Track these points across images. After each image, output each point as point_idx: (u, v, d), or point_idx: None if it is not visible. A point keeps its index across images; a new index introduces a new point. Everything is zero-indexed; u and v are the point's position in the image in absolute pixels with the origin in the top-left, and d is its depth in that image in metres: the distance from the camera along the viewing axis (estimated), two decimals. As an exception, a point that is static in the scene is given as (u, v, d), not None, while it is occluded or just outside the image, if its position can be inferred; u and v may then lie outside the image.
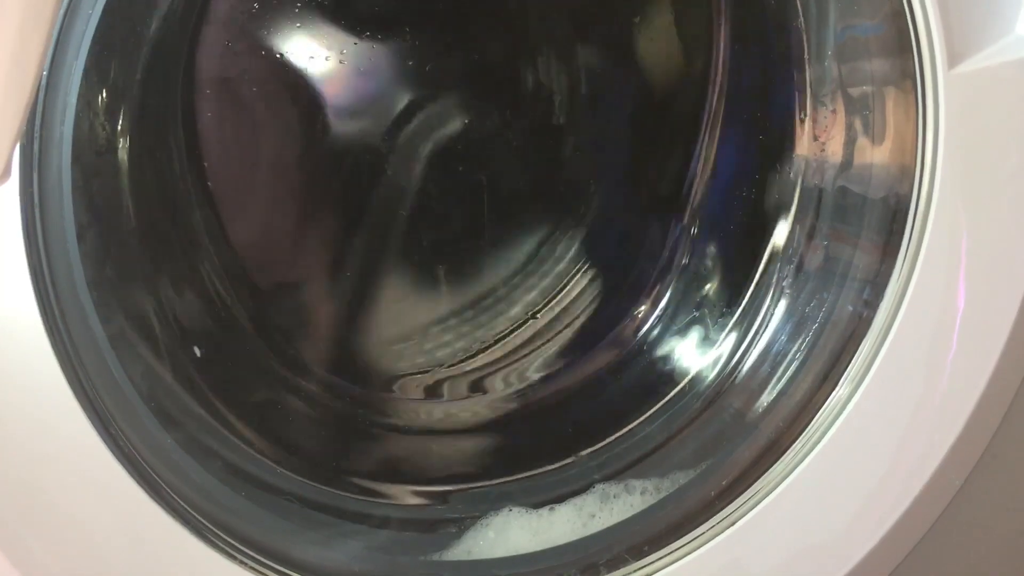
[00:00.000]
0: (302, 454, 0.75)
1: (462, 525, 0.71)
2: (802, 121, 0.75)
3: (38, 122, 0.54)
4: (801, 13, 0.72)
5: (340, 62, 0.79)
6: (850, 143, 0.71)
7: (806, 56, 0.73)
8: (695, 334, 0.83)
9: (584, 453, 0.80)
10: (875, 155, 0.68)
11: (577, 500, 0.73)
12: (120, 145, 0.69)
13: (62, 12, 0.54)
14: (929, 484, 0.62)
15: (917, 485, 0.62)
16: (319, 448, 0.78)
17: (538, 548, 0.70)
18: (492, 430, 0.85)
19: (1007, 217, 0.60)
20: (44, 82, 0.54)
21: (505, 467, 0.79)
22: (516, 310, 0.88)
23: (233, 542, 0.59)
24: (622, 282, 0.88)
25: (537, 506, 0.73)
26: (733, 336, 0.79)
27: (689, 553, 0.64)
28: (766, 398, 0.72)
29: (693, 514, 0.66)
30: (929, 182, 0.60)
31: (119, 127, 0.68)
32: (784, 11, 0.74)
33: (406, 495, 0.77)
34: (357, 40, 0.79)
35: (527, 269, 0.88)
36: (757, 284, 0.78)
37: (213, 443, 0.68)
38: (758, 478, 0.65)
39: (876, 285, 0.64)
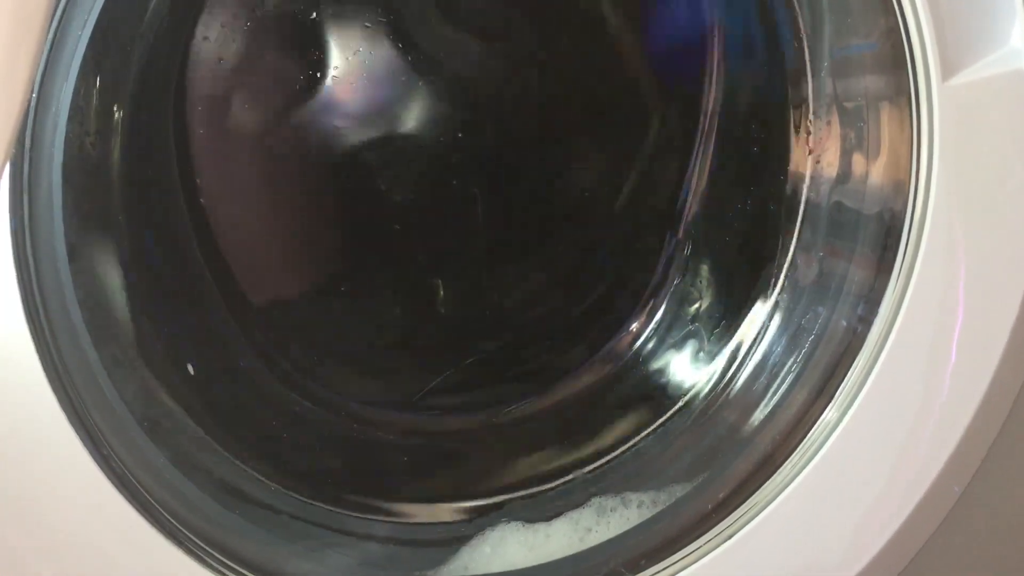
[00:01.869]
0: (297, 470, 0.75)
1: (458, 540, 0.71)
2: (796, 135, 0.75)
3: (28, 141, 0.54)
4: (795, 29, 0.72)
5: (333, 77, 0.79)
6: (845, 157, 0.71)
7: (800, 71, 0.73)
8: (690, 348, 0.83)
9: (580, 467, 0.80)
10: (870, 169, 0.68)
11: (574, 514, 0.73)
12: (112, 163, 0.69)
13: (51, 31, 0.53)
14: (926, 497, 0.62)
15: (913, 499, 0.62)
16: (314, 464, 0.77)
17: (535, 563, 0.70)
18: (487, 444, 0.85)
19: (1002, 231, 0.60)
20: (34, 101, 0.54)
21: (500, 481, 0.79)
22: (510, 323, 0.88)
23: (226, 560, 0.59)
24: (617, 296, 0.88)
25: (534, 521, 0.73)
26: (728, 350, 0.79)
27: (686, 567, 0.63)
28: (761, 412, 0.71)
29: (690, 527, 0.66)
30: (924, 196, 0.60)
31: (110, 145, 0.68)
32: (778, 27, 0.74)
33: (402, 510, 0.77)
34: (350, 56, 0.79)
35: (521, 282, 0.88)
36: (751, 298, 0.78)
37: (207, 461, 0.68)
38: (755, 491, 0.64)
39: (871, 300, 0.64)
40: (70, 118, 0.58)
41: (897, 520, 0.62)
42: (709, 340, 0.81)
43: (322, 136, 0.80)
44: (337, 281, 0.85)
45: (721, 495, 0.66)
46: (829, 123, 0.72)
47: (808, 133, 0.74)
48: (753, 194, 0.80)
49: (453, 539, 0.72)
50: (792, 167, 0.76)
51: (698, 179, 0.84)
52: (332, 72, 0.79)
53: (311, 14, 0.77)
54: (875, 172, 0.67)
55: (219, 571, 0.58)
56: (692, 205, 0.85)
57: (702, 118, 0.83)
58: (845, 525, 0.62)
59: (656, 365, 0.85)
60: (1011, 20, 0.58)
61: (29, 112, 0.54)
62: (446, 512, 0.77)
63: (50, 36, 0.53)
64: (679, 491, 0.71)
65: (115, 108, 0.68)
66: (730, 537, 0.63)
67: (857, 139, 0.69)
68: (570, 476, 0.79)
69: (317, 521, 0.72)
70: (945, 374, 0.61)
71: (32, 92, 0.52)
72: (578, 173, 0.87)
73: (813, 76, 0.72)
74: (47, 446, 0.53)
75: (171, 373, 0.69)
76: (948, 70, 0.58)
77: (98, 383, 0.58)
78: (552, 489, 0.78)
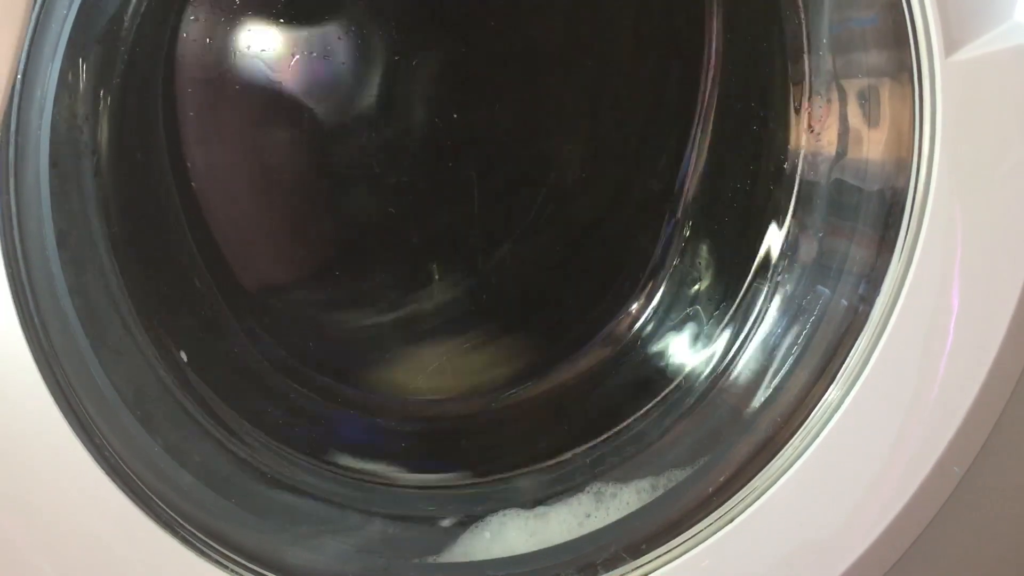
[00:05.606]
0: (293, 457, 0.75)
1: (458, 526, 0.71)
2: (797, 112, 0.74)
3: (13, 127, 0.53)
4: (794, 4, 0.72)
5: (324, 58, 0.77)
6: (845, 134, 0.70)
7: (800, 47, 0.72)
8: (689, 330, 0.83)
9: (579, 451, 0.79)
10: (871, 146, 0.67)
11: (573, 499, 0.73)
12: (100, 148, 0.68)
13: (36, 12, 0.52)
14: (928, 479, 0.62)
15: (916, 480, 0.62)
16: (310, 450, 0.77)
17: (535, 548, 0.69)
18: (486, 429, 0.85)
19: (1005, 207, 0.59)
20: (19, 85, 0.53)
21: (500, 467, 0.79)
22: (508, 306, 0.87)
23: (223, 550, 0.59)
24: (615, 278, 0.87)
25: (533, 506, 0.72)
26: (728, 332, 0.78)
27: (687, 551, 0.63)
28: (762, 394, 0.71)
29: (690, 511, 0.65)
30: (926, 173, 0.59)
31: (98, 129, 0.67)
32: (777, 1, 0.73)
33: (400, 496, 0.77)
34: (342, 35, 0.77)
35: (518, 265, 0.87)
36: (751, 279, 0.78)
37: (201, 449, 0.67)
38: (755, 474, 0.64)
39: (872, 280, 0.63)
40: (56, 102, 0.57)
41: (899, 502, 0.62)
42: (709, 322, 0.81)
43: (315, 117, 0.79)
44: (331, 265, 0.84)
45: (722, 478, 0.66)
46: (829, 100, 0.71)
47: (808, 110, 0.74)
48: (752, 173, 0.80)
49: (453, 525, 0.71)
50: (792, 145, 0.75)
51: (697, 159, 0.84)
52: (324, 51, 0.77)
53: (302, -8, 0.76)
54: (876, 150, 0.66)
55: (217, 561, 0.58)
56: (691, 185, 0.84)
57: (700, 97, 0.82)
58: (846, 508, 0.62)
59: (655, 348, 0.84)
60: (1015, -6, 0.57)
61: (14, 96, 0.53)
62: (445, 497, 0.77)
63: (34, 17, 0.52)
64: (679, 475, 0.71)
65: (102, 91, 0.67)
66: (731, 521, 0.63)
67: (858, 116, 0.68)
68: (569, 461, 0.79)
69: (314, 508, 0.71)
70: (947, 354, 0.60)
71: (16, 75, 0.51)
72: (575, 154, 0.86)
73: (812, 52, 0.72)
74: (39, 436, 0.53)
75: (164, 360, 0.68)
76: (951, 46, 0.57)
77: (90, 372, 0.58)
78: (551, 474, 0.78)
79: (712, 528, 0.63)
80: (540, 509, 0.72)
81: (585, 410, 0.83)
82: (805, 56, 0.72)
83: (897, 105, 0.62)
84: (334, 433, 0.82)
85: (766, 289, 0.76)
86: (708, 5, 0.80)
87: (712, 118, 0.82)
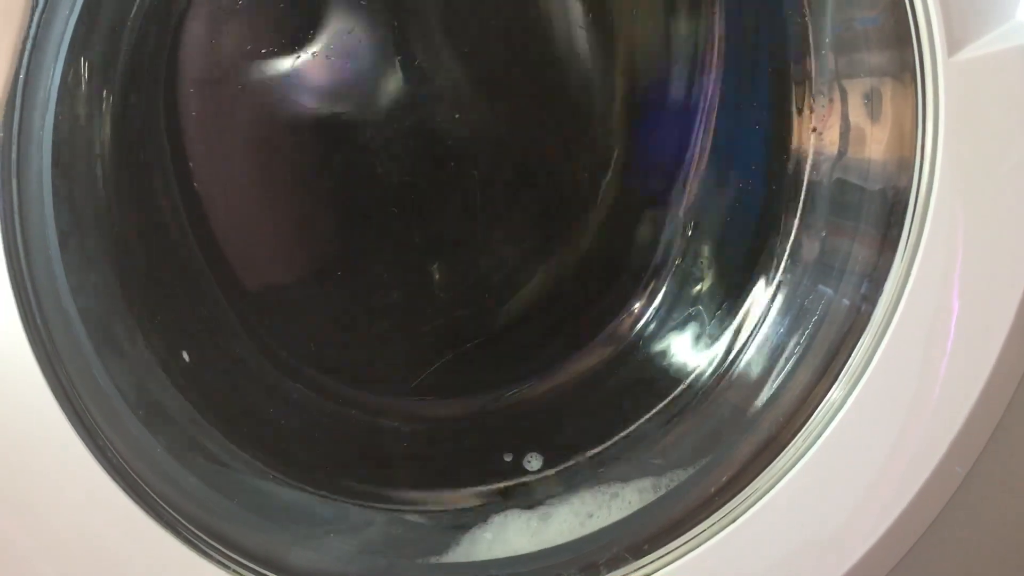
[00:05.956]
0: (295, 457, 0.75)
1: (460, 527, 0.71)
2: (799, 112, 0.74)
3: (16, 127, 0.53)
4: (798, 4, 0.72)
5: (327, 57, 0.77)
6: (847, 134, 0.70)
7: (802, 47, 0.72)
8: (691, 329, 0.83)
9: (581, 451, 0.79)
10: (873, 146, 0.67)
11: (575, 499, 0.73)
12: (102, 148, 0.68)
13: (39, 12, 0.52)
14: (930, 479, 0.62)
15: (918, 480, 0.62)
16: (310, 451, 0.77)
17: (537, 548, 0.69)
18: (486, 429, 0.85)
19: (1008, 208, 0.59)
20: (21, 84, 0.53)
21: (501, 467, 0.79)
22: (510, 306, 0.87)
23: (225, 551, 0.59)
24: (617, 278, 0.87)
25: (534, 506, 0.72)
26: (730, 331, 0.78)
27: (689, 551, 0.63)
28: (764, 393, 0.71)
29: (692, 511, 0.65)
30: (929, 172, 0.59)
31: (101, 130, 0.67)
32: (780, 1, 0.73)
33: (401, 497, 0.77)
34: (346, 35, 0.77)
35: (520, 264, 0.87)
36: (754, 279, 0.78)
37: (204, 450, 0.68)
38: (757, 475, 0.64)
39: (874, 279, 0.63)
40: (59, 102, 0.57)
41: (901, 502, 0.62)
42: (711, 322, 0.81)
43: (318, 118, 0.79)
44: (333, 266, 0.84)
45: (724, 478, 0.66)
46: (831, 100, 0.71)
47: (810, 110, 0.74)
48: (754, 172, 0.80)
49: (454, 526, 0.71)
50: (794, 145, 0.75)
51: (699, 158, 0.84)
52: (327, 52, 0.77)
53: (305, -9, 0.76)
54: (879, 149, 0.66)
55: (219, 562, 0.58)
56: (693, 185, 0.84)
57: (702, 96, 0.82)
58: (849, 508, 0.62)
59: (657, 348, 0.84)
60: (1017, -7, 0.57)
61: (16, 96, 0.53)
62: (445, 498, 0.77)
63: (36, 17, 0.52)
64: (681, 475, 0.71)
65: (105, 91, 0.67)
66: (734, 521, 0.63)
67: (860, 116, 0.68)
68: (571, 461, 0.79)
69: (316, 508, 0.71)
70: (950, 354, 0.60)
71: (18, 74, 0.51)
72: (578, 153, 0.86)
73: (815, 52, 0.72)
74: (42, 437, 0.53)
75: (166, 361, 0.68)
76: (953, 45, 0.57)
77: (92, 373, 0.58)
78: (553, 474, 0.78)
79: (714, 528, 0.63)
80: (542, 509, 0.72)
81: (587, 409, 0.83)
82: (807, 56, 0.72)
83: (900, 105, 0.62)
84: (335, 432, 0.82)
85: (768, 289, 0.76)
86: (710, 5, 0.81)
87: (714, 117, 0.82)
